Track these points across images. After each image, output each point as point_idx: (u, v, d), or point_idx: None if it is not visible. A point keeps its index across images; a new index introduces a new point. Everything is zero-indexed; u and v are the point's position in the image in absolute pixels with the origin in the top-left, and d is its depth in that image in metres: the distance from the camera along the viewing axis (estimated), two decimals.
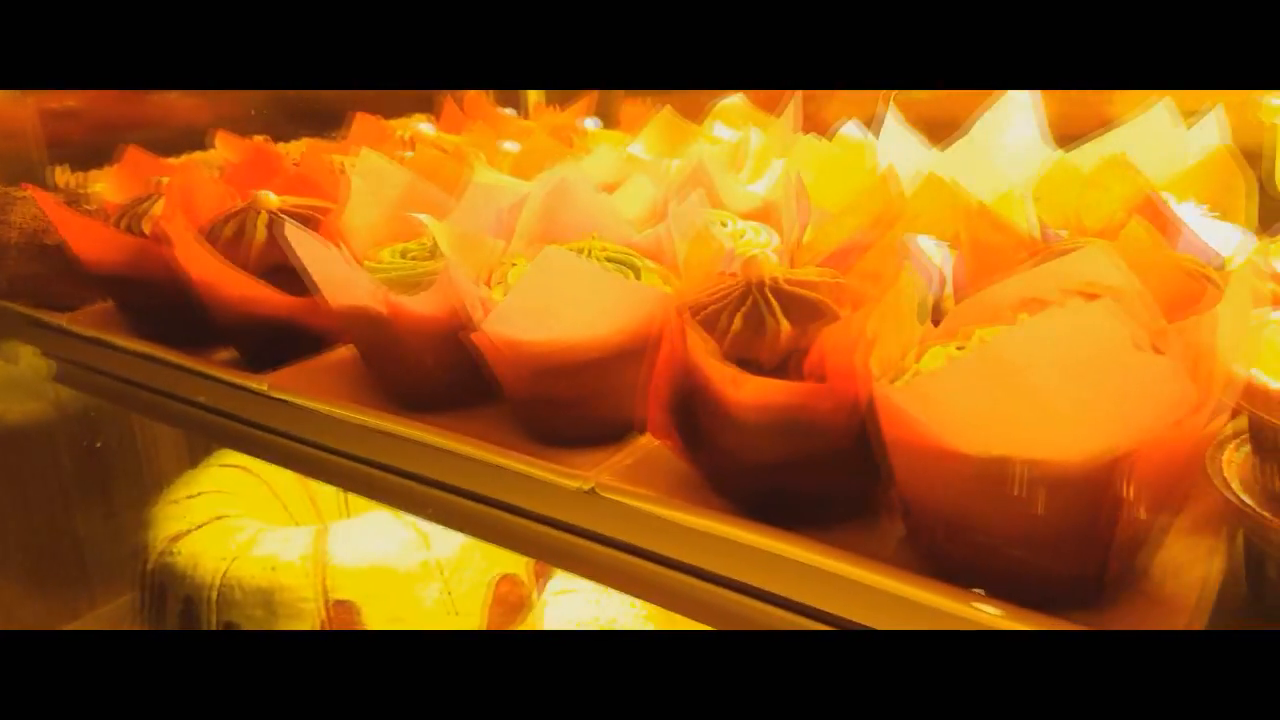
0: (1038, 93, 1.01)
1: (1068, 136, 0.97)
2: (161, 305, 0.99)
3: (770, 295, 0.65)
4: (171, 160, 1.26)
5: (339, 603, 1.21)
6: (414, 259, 0.84)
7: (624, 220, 0.87)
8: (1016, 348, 0.49)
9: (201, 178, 1.04)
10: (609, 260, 0.80)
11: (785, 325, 0.63)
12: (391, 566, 1.22)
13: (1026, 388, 0.49)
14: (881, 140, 0.99)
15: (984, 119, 1.03)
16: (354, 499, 1.49)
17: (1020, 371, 0.49)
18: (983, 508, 0.55)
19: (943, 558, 0.59)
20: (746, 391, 0.60)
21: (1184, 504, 0.57)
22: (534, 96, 1.80)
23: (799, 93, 1.24)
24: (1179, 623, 0.52)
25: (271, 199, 0.93)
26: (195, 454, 1.61)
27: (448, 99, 1.31)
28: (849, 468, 0.64)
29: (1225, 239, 0.79)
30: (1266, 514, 0.53)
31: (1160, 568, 0.57)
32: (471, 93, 1.35)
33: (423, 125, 1.30)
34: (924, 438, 0.54)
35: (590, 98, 1.45)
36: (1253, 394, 0.51)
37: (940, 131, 1.02)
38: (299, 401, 0.85)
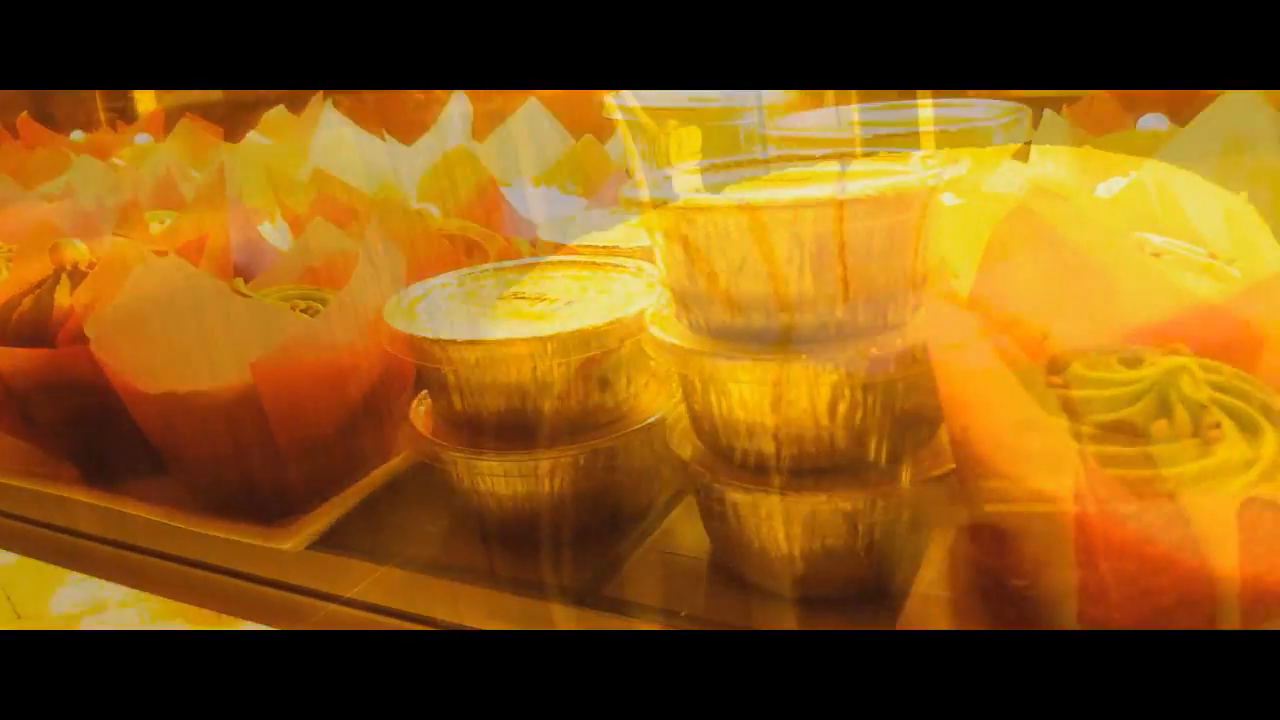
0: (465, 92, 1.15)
1: None
2: None
3: (68, 277, 0.74)
4: None
5: None
6: None
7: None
8: (132, 295, 0.59)
9: None
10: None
11: (69, 302, 0.73)
12: None
13: (157, 330, 0.60)
14: (315, 139, 1.10)
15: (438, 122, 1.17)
16: None
17: (148, 314, 0.60)
18: (182, 437, 0.65)
19: (197, 489, 0.69)
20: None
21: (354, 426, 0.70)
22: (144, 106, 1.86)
23: (320, 93, 1.34)
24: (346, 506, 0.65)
25: None
26: None
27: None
28: None
29: (566, 213, 0.94)
30: (428, 435, 0.65)
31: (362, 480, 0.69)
32: (23, 118, 1.40)
33: None
34: (124, 382, 0.64)
35: (157, 113, 1.52)
36: (411, 345, 0.62)
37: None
38: None
